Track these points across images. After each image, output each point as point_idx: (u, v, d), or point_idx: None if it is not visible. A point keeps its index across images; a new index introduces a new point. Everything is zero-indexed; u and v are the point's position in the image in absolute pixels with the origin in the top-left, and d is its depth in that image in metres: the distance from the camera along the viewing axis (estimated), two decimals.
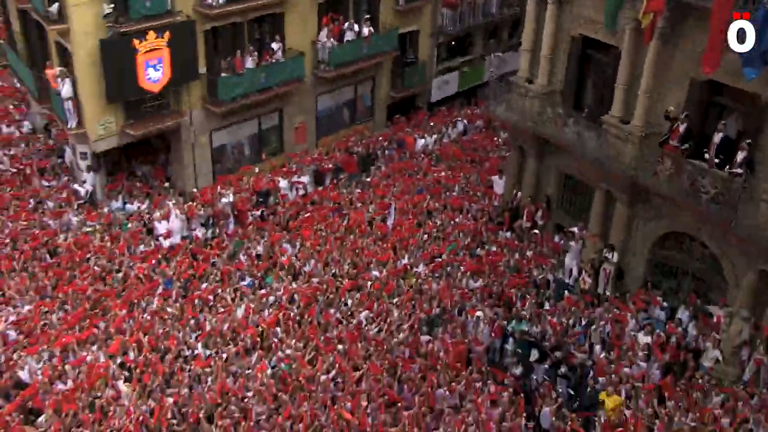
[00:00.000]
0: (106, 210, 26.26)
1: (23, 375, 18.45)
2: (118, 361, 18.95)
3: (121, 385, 18.12)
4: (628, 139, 20.15)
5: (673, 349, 18.28)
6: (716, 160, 18.56)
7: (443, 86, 34.63)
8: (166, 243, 24.64)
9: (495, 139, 31.93)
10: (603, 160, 20.67)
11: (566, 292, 21.17)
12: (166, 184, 28.36)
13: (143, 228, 25.29)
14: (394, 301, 21.28)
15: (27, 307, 21.09)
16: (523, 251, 23.32)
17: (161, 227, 24.86)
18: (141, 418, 16.82)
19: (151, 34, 24.33)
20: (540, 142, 23.55)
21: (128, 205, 26.65)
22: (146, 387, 17.93)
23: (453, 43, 34.33)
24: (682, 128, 19.05)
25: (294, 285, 22.10)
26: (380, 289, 21.73)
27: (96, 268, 22.88)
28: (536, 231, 24.11)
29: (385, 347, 19.19)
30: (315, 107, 30.83)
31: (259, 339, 19.67)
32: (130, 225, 25.39)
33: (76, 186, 26.94)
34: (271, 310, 20.96)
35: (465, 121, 33.42)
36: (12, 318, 20.56)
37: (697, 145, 19.14)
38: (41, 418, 17.16)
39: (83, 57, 24.26)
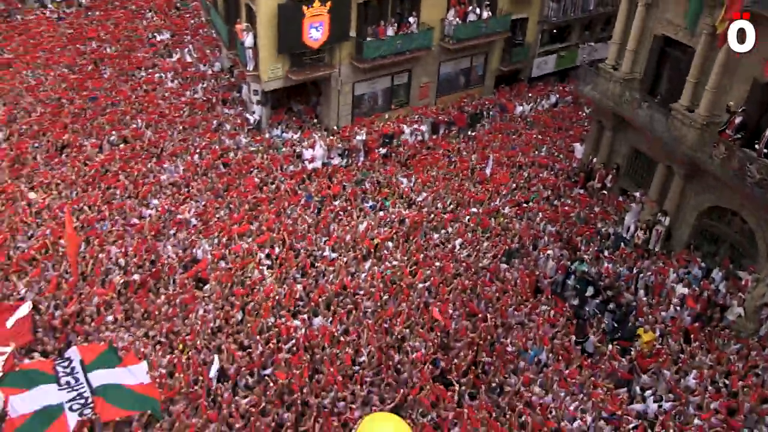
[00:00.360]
0: (267, 135, 27.02)
1: (199, 253, 19.45)
2: (266, 252, 19.75)
3: (266, 271, 18.94)
4: (691, 125, 19.39)
5: (704, 302, 17.84)
6: (765, 151, 17.80)
7: (542, 65, 33.80)
8: (310, 166, 25.13)
9: (580, 112, 31.06)
10: (668, 140, 20.01)
11: (623, 244, 20.87)
12: (315, 121, 28.86)
13: (294, 153, 25.89)
14: (486, 235, 21.27)
15: (203, 202, 22.08)
16: (592, 207, 22.96)
17: (307, 153, 25.36)
18: (277, 297, 17.66)
19: (317, 3, 24.49)
20: (617, 119, 22.91)
21: (284, 134, 27.23)
22: (283, 274, 18.69)
23: (555, 31, 33.31)
24: (738, 120, 18.22)
25: (406, 211, 22.29)
26: (476, 223, 21.73)
27: (256, 179, 23.64)
28: (605, 192, 23.64)
29: (472, 269, 19.33)
30: (438, 71, 30.50)
31: (373, 249, 20.03)
32: (284, 149, 26.04)
33: (247, 115, 27.74)
34: (386, 228, 21.25)
35: (557, 95, 32.68)
36: (194, 210, 21.66)
37: (750, 136, 18.30)
38: (207, 287, 18.16)
39: (264, 17, 24.69)
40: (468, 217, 22.06)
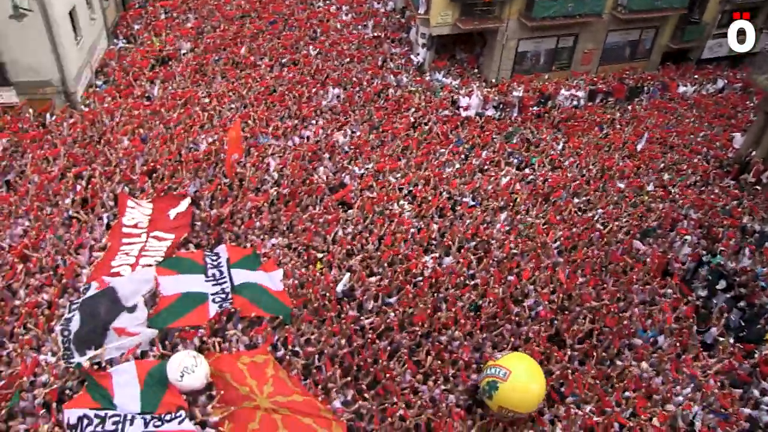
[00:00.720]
0: (428, 78, 27.88)
1: (346, 179, 20.40)
2: (410, 189, 20.33)
3: (407, 206, 19.45)
4: None
5: None
6: None
7: (715, 48, 32.36)
8: (464, 113, 25.72)
9: (747, 102, 29.78)
10: None
11: (767, 244, 20.30)
12: (475, 71, 29.42)
13: (450, 99, 26.44)
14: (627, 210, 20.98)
15: (358, 132, 23.17)
16: (741, 200, 22.15)
17: (463, 101, 25.93)
18: (413, 232, 18.22)
19: None
20: None
21: (444, 79, 28.00)
22: (423, 212, 19.19)
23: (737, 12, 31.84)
24: None
25: (551, 173, 22.44)
26: (619, 196, 21.51)
27: (411, 118, 24.44)
28: (758, 187, 22.98)
29: (605, 240, 19.17)
30: (604, 40, 30.09)
31: (511, 203, 20.29)
32: (441, 94, 26.69)
33: (412, 56, 28.67)
34: (527, 185, 21.53)
35: (725, 80, 31.29)
36: (348, 138, 22.75)
37: None
38: (350, 211, 19.00)
39: None
40: (612, 188, 21.87)
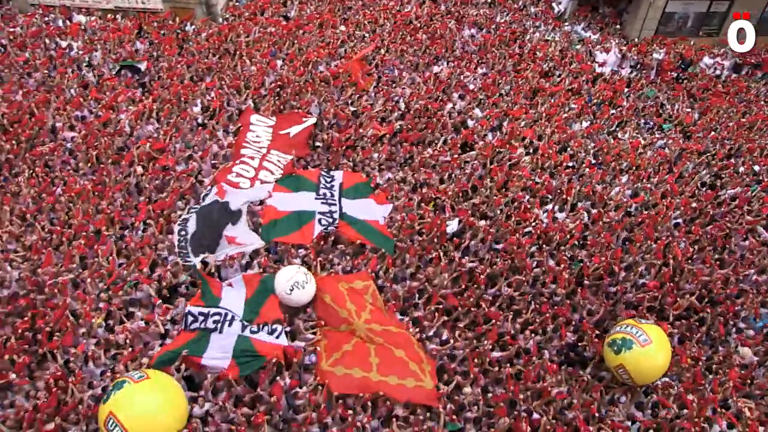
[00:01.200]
0: (567, 28, 26.95)
1: (470, 122, 19.97)
2: (533, 138, 19.62)
3: (525, 156, 18.95)
4: None
5: None
6: None
7: None
8: (598, 69, 24.60)
9: None
10: None
11: None
12: (617, 26, 28.15)
13: (587, 52, 25.46)
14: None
15: (489, 77, 22.42)
16: None
17: (600, 57, 24.94)
18: (530, 183, 17.78)
19: None
20: None
21: (583, 31, 26.98)
22: (540, 164, 18.64)
23: None
24: None
25: (682, 141, 21.20)
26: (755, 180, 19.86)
27: (544, 67, 23.54)
28: None
29: (728, 217, 17.93)
30: (763, 9, 28.02)
31: (634, 167, 19.21)
32: (578, 46, 25.80)
33: (554, 3, 27.72)
34: (654, 150, 20.41)
35: None
36: (478, 80, 22.15)
37: None
38: (471, 153, 18.56)
39: None
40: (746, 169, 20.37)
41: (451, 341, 13.32)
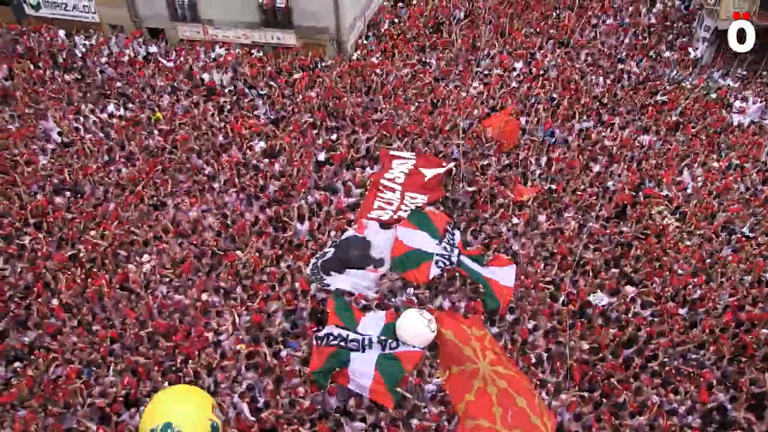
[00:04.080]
0: (704, 76, 24.73)
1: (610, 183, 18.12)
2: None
3: (670, 216, 17.26)
4: None
5: None
6: None
7: None
8: (736, 119, 22.15)
9: None
10: None
11: None
12: (764, 74, 25.17)
13: (723, 102, 23.03)
14: None
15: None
16: None
17: (739, 104, 22.50)
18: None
19: None
20: None
21: (721, 80, 24.53)
22: (690, 228, 16.87)
23: None
24: None
25: None
26: None
27: (674, 118, 21.58)
28: None
29: None
30: None
31: None
32: (714, 95, 23.32)
33: (690, 48, 25.85)
34: None
35: None
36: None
37: None
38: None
39: None
40: None
41: (576, 403, 12.28)
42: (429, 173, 17.10)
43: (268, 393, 12.27)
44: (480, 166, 17.93)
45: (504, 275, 14.62)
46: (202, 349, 12.90)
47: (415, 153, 17.99)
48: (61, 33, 24.55)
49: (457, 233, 15.72)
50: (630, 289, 14.72)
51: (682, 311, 14.33)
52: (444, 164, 17.41)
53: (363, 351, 12.67)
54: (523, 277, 14.74)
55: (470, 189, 17.04)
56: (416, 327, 12.77)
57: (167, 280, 14.44)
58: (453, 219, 16.16)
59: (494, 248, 15.44)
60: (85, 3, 25.44)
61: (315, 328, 13.31)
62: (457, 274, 14.49)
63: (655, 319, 14.10)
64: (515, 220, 16.33)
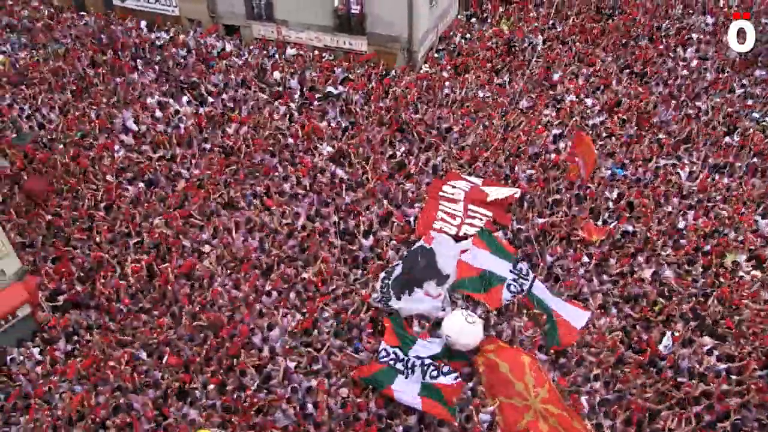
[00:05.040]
0: None
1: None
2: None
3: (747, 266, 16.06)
4: None
5: None
6: None
7: None
8: None
9: None
10: None
11: None
12: None
13: None
14: None
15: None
16: None
17: None
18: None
19: None
20: None
21: None
22: None
23: None
24: None
25: None
26: None
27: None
28: None
29: None
30: None
31: None
32: None
33: None
34: None
35: None
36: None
37: None
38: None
39: None
40: None
41: None
42: (493, 193, 16.82)
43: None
44: (550, 201, 17.24)
45: (575, 316, 14.13)
46: (245, 347, 13.18)
47: (482, 179, 17.63)
48: (143, 24, 25.24)
49: (525, 264, 15.23)
50: (707, 341, 13.91)
51: (761, 372, 13.27)
52: (506, 188, 17.13)
53: (406, 377, 12.82)
54: (591, 325, 14.12)
55: (541, 220, 16.49)
56: (459, 325, 13.10)
57: (227, 273, 14.76)
58: (520, 251, 15.64)
59: (563, 290, 14.89)
60: None
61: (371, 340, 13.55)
62: (520, 302, 14.25)
63: (732, 376, 13.20)
64: (585, 259, 15.64)
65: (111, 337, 13.35)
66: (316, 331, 13.63)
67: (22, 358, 13.21)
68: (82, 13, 26.53)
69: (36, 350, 13.40)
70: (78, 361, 12.94)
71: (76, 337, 13.58)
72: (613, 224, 16.42)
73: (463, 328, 13.06)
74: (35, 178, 16.77)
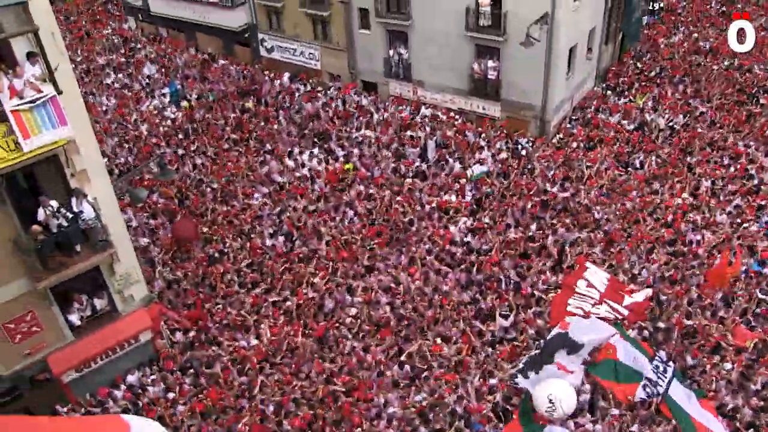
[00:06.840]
0: None
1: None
2: None
3: None
4: None
5: None
6: None
7: None
8: None
9: None
10: None
11: None
12: None
13: None
14: None
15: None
16: None
17: None
18: None
19: None
20: None
21: None
22: None
23: None
24: None
25: None
26: None
27: None
28: None
29: None
30: None
31: None
32: None
33: None
34: None
35: None
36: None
37: None
38: None
39: None
40: None
41: None
42: (627, 298, 16.17)
43: None
44: (689, 300, 16.43)
45: (714, 424, 13.44)
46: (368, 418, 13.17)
47: (609, 276, 16.98)
48: (286, 76, 26.31)
49: (663, 365, 14.53)
50: None
51: None
52: (638, 292, 16.42)
53: None
54: None
55: (688, 322, 15.78)
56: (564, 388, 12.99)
57: (360, 335, 14.88)
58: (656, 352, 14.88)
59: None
60: (311, 51, 27.07)
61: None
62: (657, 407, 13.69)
63: None
64: (727, 366, 14.63)
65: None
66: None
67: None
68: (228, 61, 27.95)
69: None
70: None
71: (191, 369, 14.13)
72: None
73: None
74: (185, 222, 17.61)
